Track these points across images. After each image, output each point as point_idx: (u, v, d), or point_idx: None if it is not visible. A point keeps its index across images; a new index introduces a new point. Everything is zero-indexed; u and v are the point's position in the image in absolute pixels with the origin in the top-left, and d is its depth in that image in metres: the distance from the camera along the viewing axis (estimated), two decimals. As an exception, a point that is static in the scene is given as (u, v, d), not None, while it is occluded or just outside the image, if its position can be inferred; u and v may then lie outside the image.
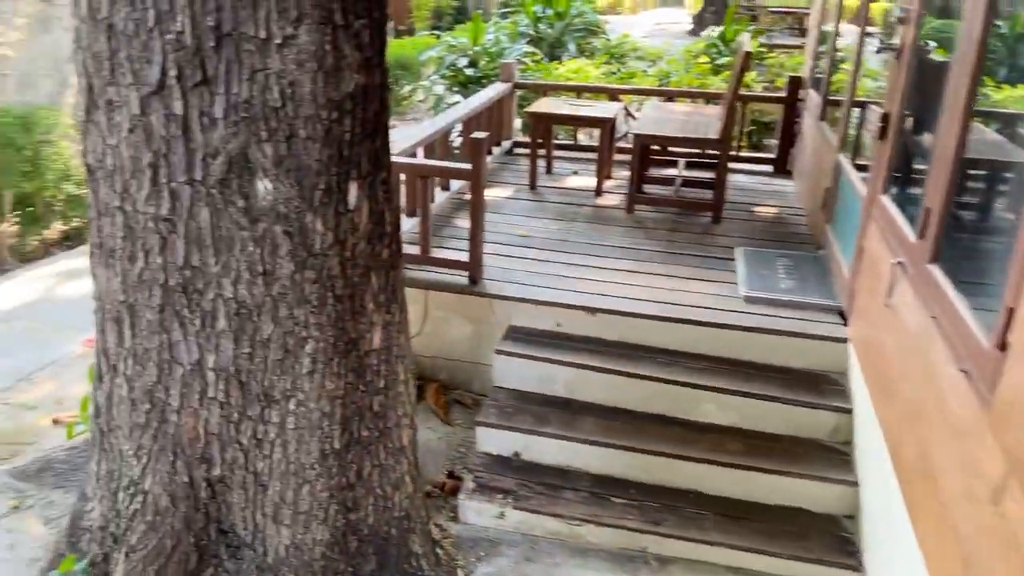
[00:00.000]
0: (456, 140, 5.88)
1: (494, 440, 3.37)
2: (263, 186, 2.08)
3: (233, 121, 2.03)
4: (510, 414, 3.41)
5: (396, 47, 10.30)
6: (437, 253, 3.98)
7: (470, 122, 5.18)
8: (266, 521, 2.44)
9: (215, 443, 2.36)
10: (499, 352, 3.58)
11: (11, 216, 5.69)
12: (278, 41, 1.97)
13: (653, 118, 5.31)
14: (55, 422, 3.92)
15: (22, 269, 5.64)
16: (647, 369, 3.44)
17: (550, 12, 11.07)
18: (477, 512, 3.13)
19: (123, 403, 2.36)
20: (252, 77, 2.00)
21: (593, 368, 3.47)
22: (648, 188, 5.30)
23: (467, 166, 3.77)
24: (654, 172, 5.59)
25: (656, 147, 5.47)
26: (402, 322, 2.60)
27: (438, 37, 10.72)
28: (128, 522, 2.42)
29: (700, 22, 15.39)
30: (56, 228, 6.16)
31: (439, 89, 8.79)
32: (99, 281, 2.30)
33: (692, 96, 6.36)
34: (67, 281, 5.35)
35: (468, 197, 3.91)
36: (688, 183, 5.39)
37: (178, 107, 2.01)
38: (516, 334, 3.69)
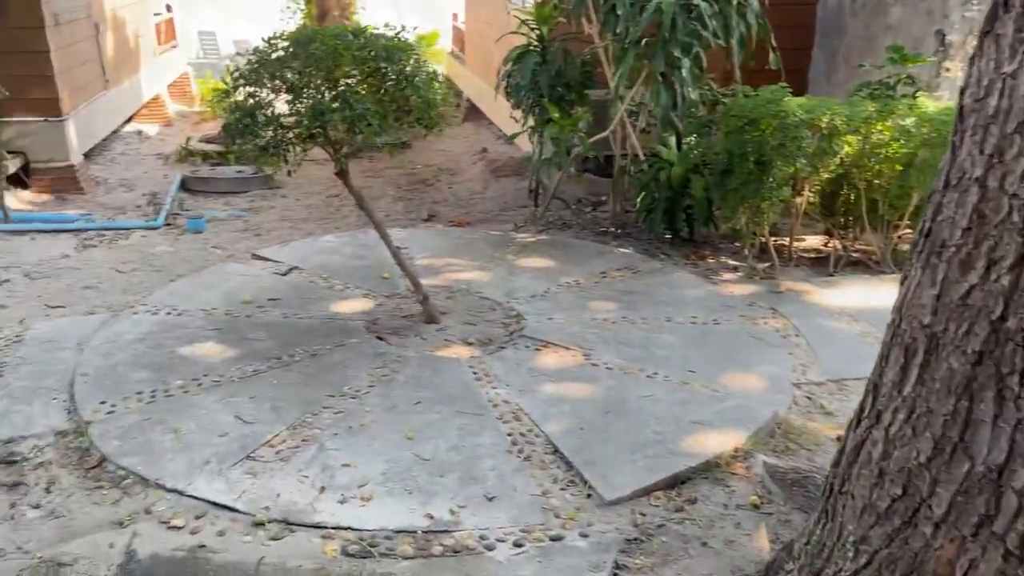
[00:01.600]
0: None
1: None
2: None
3: None
4: None
5: None
6: None
7: None
8: None
9: (974, 603, 1.39)
10: None
11: (908, 220, 5.27)
12: None
13: None
14: (838, 439, 3.44)
15: (893, 274, 5.29)
16: None
17: None
18: None
19: (867, 468, 1.59)
20: None
21: None
22: None
23: None
24: None
25: None
26: None
27: None
28: (809, 625, 1.70)
29: None
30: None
31: None
32: (906, 284, 1.54)
33: None
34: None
35: None
36: None
37: None
38: None
